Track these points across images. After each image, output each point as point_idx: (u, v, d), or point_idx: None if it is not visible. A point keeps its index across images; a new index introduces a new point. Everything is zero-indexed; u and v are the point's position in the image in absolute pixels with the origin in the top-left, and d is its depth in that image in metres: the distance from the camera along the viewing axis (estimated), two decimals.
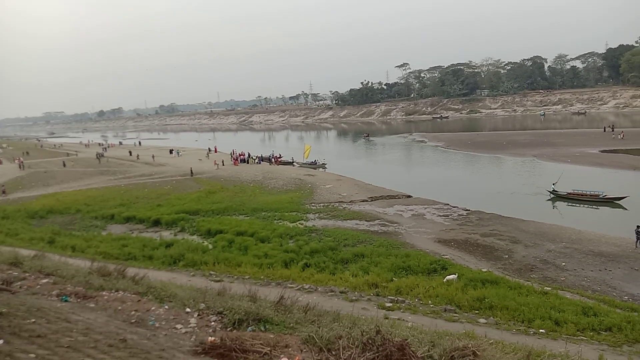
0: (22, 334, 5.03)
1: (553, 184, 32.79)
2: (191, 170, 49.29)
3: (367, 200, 34.08)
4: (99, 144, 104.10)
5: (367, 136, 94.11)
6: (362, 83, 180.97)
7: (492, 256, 21.21)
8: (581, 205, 31.19)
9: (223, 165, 54.31)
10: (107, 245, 23.92)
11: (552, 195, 32.80)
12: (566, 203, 31.67)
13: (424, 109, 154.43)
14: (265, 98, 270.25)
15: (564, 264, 19.68)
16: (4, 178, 52.52)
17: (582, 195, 31.42)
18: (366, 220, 28.00)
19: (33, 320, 5.72)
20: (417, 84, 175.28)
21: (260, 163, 58.72)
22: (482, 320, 13.73)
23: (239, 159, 59.38)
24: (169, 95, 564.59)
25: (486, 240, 23.47)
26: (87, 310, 7.37)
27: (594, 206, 30.76)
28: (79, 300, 8.20)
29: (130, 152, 73.71)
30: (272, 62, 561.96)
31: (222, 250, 22.36)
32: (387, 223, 27.38)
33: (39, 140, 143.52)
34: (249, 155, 61.36)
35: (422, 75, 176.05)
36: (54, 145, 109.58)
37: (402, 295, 16.06)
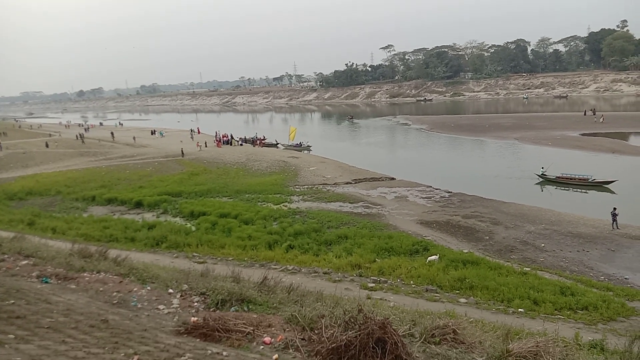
0: (1, 315, 4.97)
1: (542, 168, 33.03)
2: (182, 151, 48.89)
3: (350, 183, 34.19)
4: (79, 125, 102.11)
5: (351, 118, 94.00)
6: (346, 65, 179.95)
7: (473, 237, 21.55)
8: (570, 189, 31.41)
9: (206, 146, 53.83)
10: (89, 227, 23.66)
11: (541, 179, 33.03)
12: (554, 186, 31.96)
13: (408, 91, 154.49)
14: (249, 79, 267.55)
15: (543, 245, 20.09)
16: None
17: (570, 179, 31.61)
18: (350, 202, 28.12)
19: (12, 301, 5.65)
20: (402, 67, 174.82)
21: (242, 145, 58.28)
22: (462, 300, 14.00)
23: (222, 141, 58.90)
24: (150, 75, 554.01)
25: (467, 221, 23.80)
26: (68, 291, 7.31)
27: (582, 190, 30.99)
28: (59, 281, 8.12)
29: (112, 134, 72.49)
30: (256, 44, 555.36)
31: (206, 232, 22.29)
32: (370, 205, 27.54)
33: (17, 121, 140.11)
34: (232, 137, 60.85)
35: (407, 57, 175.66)
36: (31, 126, 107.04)
37: (384, 275, 16.27)
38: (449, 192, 30.42)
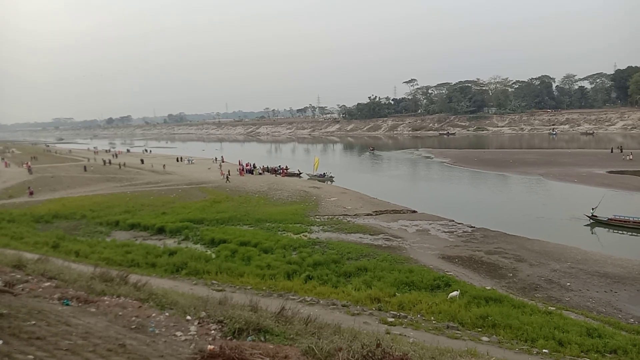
0: (22, 335, 5.02)
1: (592, 209, 30.85)
2: (227, 177, 50.65)
3: (371, 214, 33.99)
4: (107, 151, 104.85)
5: (373, 150, 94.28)
6: (369, 98, 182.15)
7: (497, 274, 21.03)
8: (624, 233, 28.85)
9: (229, 175, 54.54)
10: (111, 252, 23.93)
11: (591, 221, 30.67)
12: (607, 229, 29.61)
13: (431, 125, 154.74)
14: (273, 110, 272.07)
15: (568, 284, 19.47)
16: (13, 182, 53.03)
17: (624, 221, 29.20)
18: (370, 234, 27.90)
19: (33, 322, 5.71)
20: (425, 100, 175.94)
21: (262, 174, 58.86)
22: (484, 339, 13.57)
23: (244, 170, 59.62)
24: (178, 105, 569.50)
25: (491, 257, 23.30)
26: (88, 314, 7.36)
27: (636, 234, 28.19)
28: (80, 304, 8.19)
29: (142, 161, 74.16)
30: (281, 80, 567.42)
31: (225, 259, 22.30)
32: (391, 237, 27.27)
33: (48, 146, 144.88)
34: (254, 166, 61.59)
35: (430, 91, 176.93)
36: (57, 151, 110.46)
37: (404, 310, 15.92)
38: (472, 226, 29.92)
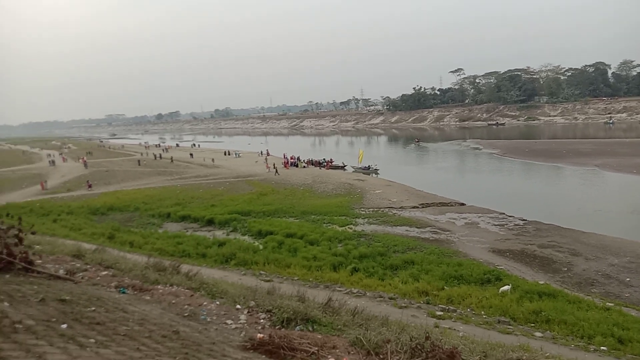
0: (83, 320, 5.27)
1: None
2: (276, 170, 51.95)
3: (418, 207, 33.50)
4: (157, 146, 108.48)
5: (418, 142, 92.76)
6: (414, 88, 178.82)
7: (550, 268, 20.26)
8: None
9: (274, 168, 55.19)
10: (163, 242, 24.80)
11: None
12: None
13: (479, 115, 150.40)
14: (317, 103, 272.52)
15: (628, 279, 18.50)
16: (70, 176, 55.85)
17: None
18: (417, 227, 27.53)
19: (93, 308, 5.97)
20: (472, 90, 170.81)
21: (306, 167, 59.17)
22: (538, 334, 13.12)
23: (289, 163, 60.16)
24: (224, 100, 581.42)
25: (544, 251, 22.47)
26: (143, 302, 7.65)
27: None
28: (135, 292, 8.52)
29: (191, 155, 76.30)
30: (326, 73, 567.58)
31: (272, 251, 22.64)
32: (438, 231, 26.80)
33: (101, 141, 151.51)
34: (299, 159, 62.02)
35: (477, 80, 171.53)
36: (110, 146, 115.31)
37: (453, 304, 15.63)
38: (524, 219, 28.94)
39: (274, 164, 56.88)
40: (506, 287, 16.46)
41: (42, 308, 5.42)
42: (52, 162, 72.77)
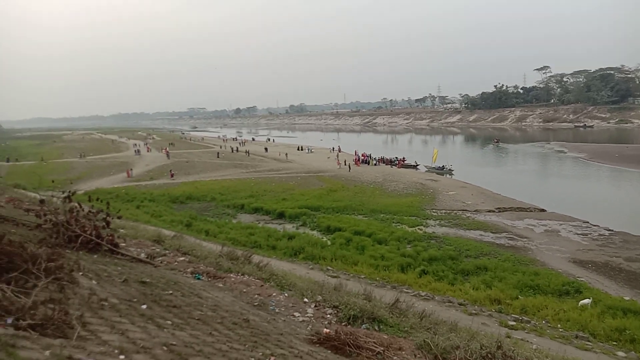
0: (161, 302, 5.58)
1: None
2: (349, 166, 52.53)
3: (493, 211, 32.14)
4: (234, 139, 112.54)
5: (497, 142, 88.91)
6: (495, 86, 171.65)
7: (638, 284, 18.66)
8: None
9: (345, 164, 55.27)
10: (236, 233, 25.71)
11: None
12: None
13: (565, 116, 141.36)
14: (391, 100, 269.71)
15: None
16: (153, 165, 59.38)
17: None
18: (492, 232, 26.45)
19: (170, 292, 6.31)
20: (559, 89, 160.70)
21: (377, 164, 58.66)
22: (620, 354, 12.16)
23: (360, 160, 60.00)
24: (298, 96, 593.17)
25: (631, 265, 20.72)
26: (216, 289, 7.97)
27: None
28: (209, 279, 8.90)
29: (266, 149, 78.46)
30: (402, 66, 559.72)
31: (340, 247, 22.73)
32: (515, 237, 25.57)
33: (183, 133, 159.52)
34: (370, 156, 61.66)
35: (565, 79, 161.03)
36: (191, 138, 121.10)
37: (527, 315, 14.88)
38: (609, 230, 26.86)
39: (344, 161, 57.00)
40: (586, 301, 15.40)
41: (125, 288, 5.80)
42: (138, 152, 77.79)
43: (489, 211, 32.10)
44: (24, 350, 2.86)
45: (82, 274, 5.53)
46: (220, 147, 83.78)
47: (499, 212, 32.05)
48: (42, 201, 12.80)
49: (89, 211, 9.57)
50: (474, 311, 14.76)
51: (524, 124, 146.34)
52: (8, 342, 2.81)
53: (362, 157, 61.33)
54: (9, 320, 3.25)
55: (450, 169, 53.31)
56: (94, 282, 5.52)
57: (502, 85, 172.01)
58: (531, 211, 32.29)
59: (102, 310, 4.24)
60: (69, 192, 10.37)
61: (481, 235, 25.97)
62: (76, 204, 9.66)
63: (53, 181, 36.50)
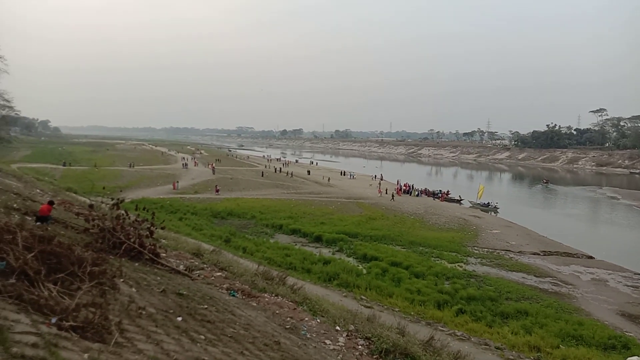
0: (196, 316, 5.63)
1: None
2: (392, 196, 51.92)
3: (538, 254, 30.88)
4: (278, 160, 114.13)
5: (547, 182, 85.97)
6: (547, 126, 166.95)
7: None
8: None
9: (386, 193, 54.80)
10: (273, 252, 25.82)
11: None
12: None
13: (620, 161, 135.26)
14: (438, 132, 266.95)
15: None
16: (199, 179, 60.84)
17: None
18: (535, 276, 25.37)
19: (205, 306, 6.37)
20: (614, 133, 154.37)
21: (419, 196, 57.81)
22: None
23: (402, 190, 59.36)
24: (345, 121, 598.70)
25: None
26: (250, 308, 7.98)
27: None
28: (244, 297, 8.94)
29: (308, 172, 79.08)
30: (452, 99, 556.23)
31: (376, 277, 22.38)
32: (559, 283, 24.41)
33: (230, 151, 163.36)
34: (412, 187, 60.92)
35: (622, 123, 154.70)
36: (237, 156, 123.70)
37: None
38: None
39: (386, 189, 56.56)
40: (635, 358, 14.38)
41: (162, 299, 5.91)
42: (185, 165, 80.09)
43: (534, 253, 30.86)
44: (64, 350, 2.94)
45: (123, 281, 5.67)
46: (265, 167, 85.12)
47: (544, 255, 30.76)
48: (91, 206, 13.30)
49: (135, 220, 9.87)
50: (511, 357, 14.10)
51: (575, 166, 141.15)
52: (51, 342, 2.90)
53: (404, 187, 60.67)
54: (54, 320, 3.36)
55: (495, 207, 51.84)
56: (133, 289, 5.65)
57: (555, 125, 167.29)
58: (578, 257, 30.80)
59: (139, 318, 4.32)
60: (117, 199, 10.79)
61: (524, 277, 24.94)
62: (123, 212, 10.02)
63: (104, 188, 38.04)
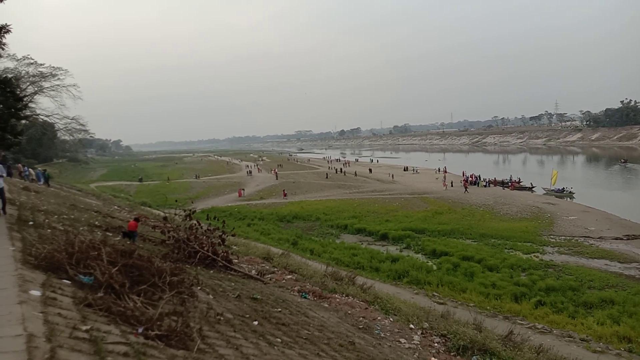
0: (271, 319, 5.79)
1: None
2: (465, 188, 50.64)
3: (622, 238, 28.85)
4: (337, 160, 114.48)
5: (625, 162, 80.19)
6: (621, 102, 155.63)
7: None
8: None
9: (452, 186, 53.39)
10: (340, 253, 25.96)
11: None
12: None
13: None
14: (502, 118, 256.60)
15: None
16: (263, 185, 62.36)
17: None
18: (619, 262, 23.74)
19: (279, 309, 6.53)
20: None
21: (487, 186, 55.76)
22: None
23: (468, 181, 57.59)
24: (403, 116, 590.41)
25: None
26: (322, 309, 8.09)
27: None
28: (315, 298, 9.07)
29: (370, 170, 78.79)
30: (515, 84, 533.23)
31: (447, 272, 21.91)
32: None
33: (290, 155, 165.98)
34: (479, 177, 58.94)
35: None
36: (298, 160, 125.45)
37: None
38: None
39: (451, 182, 55.14)
40: None
41: (238, 304, 6.12)
42: (249, 173, 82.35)
43: (616, 238, 28.86)
44: (153, 359, 3.14)
45: (200, 289, 5.94)
46: (329, 168, 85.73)
47: (628, 239, 28.68)
48: (165, 218, 14.02)
49: (207, 229, 10.31)
50: (598, 348, 13.30)
51: None
52: (140, 350, 3.10)
53: (470, 178, 58.83)
54: (140, 330, 3.60)
55: (571, 192, 49.03)
56: (210, 296, 5.90)
57: (630, 100, 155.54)
58: None
59: (218, 324, 4.52)
60: (190, 210, 11.31)
61: (607, 264, 23.42)
62: (195, 222, 10.50)
63: (176, 200, 39.92)
